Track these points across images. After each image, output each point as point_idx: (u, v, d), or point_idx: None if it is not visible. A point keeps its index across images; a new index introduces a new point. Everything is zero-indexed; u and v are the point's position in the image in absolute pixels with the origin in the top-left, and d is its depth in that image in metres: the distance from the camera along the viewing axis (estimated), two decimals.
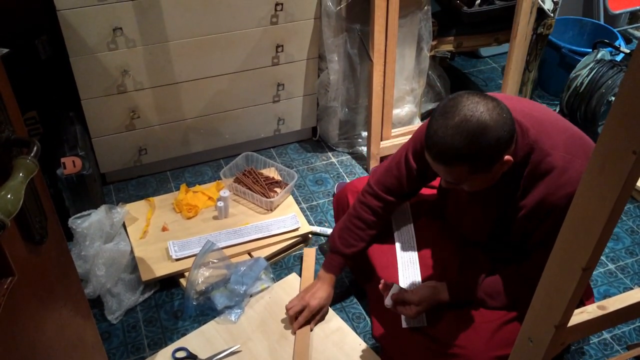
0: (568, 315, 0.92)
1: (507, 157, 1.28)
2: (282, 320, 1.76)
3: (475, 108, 1.22)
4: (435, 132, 1.25)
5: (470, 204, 1.52)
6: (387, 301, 1.51)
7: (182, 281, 1.86)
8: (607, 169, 0.73)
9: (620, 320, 1.12)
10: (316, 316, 1.73)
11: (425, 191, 1.75)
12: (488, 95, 1.28)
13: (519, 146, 1.33)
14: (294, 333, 1.70)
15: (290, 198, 2.17)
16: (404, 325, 1.53)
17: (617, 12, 3.18)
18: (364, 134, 2.51)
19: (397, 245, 1.69)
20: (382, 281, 1.54)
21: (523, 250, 1.47)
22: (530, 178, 1.35)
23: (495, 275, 1.50)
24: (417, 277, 1.62)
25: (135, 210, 2.07)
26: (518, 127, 1.32)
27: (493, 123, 1.22)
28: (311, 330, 1.71)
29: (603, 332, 1.81)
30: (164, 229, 2.01)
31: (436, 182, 1.70)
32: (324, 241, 2.09)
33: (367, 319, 1.82)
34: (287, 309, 1.72)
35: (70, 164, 1.91)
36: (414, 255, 1.67)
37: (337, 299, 1.87)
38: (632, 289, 1.95)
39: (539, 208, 1.35)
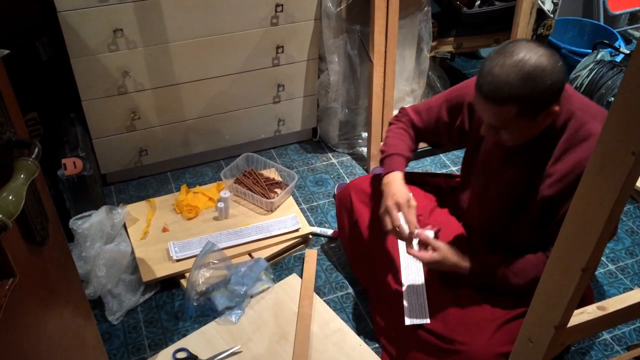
0: (568, 315, 0.92)
1: (555, 107, 1.29)
2: (283, 321, 1.76)
3: (534, 51, 1.25)
4: (491, 69, 1.27)
5: (500, 170, 1.50)
6: (414, 242, 1.49)
7: (183, 282, 1.86)
8: (606, 169, 0.73)
9: (620, 320, 1.12)
10: (409, 209, 1.53)
11: (429, 199, 1.76)
12: (543, 44, 1.30)
13: (562, 110, 1.34)
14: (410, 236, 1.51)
15: (291, 199, 2.18)
16: (407, 322, 1.53)
17: (617, 12, 3.18)
18: (364, 134, 2.51)
19: (400, 243, 1.68)
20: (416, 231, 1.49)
21: (532, 240, 1.47)
22: (566, 144, 1.36)
23: (520, 255, 1.48)
24: (420, 279, 1.61)
25: (135, 211, 2.07)
26: (564, 93, 1.33)
27: (550, 67, 1.24)
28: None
29: (603, 332, 1.81)
30: (164, 230, 2.01)
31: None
32: (324, 242, 2.10)
33: (368, 319, 1.82)
34: (393, 226, 1.53)
35: (71, 165, 1.92)
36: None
37: (337, 300, 1.88)
38: (632, 289, 1.95)
39: (570, 173, 1.35)
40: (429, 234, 1.52)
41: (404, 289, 1.59)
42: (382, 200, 1.57)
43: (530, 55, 1.24)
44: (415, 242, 1.51)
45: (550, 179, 1.39)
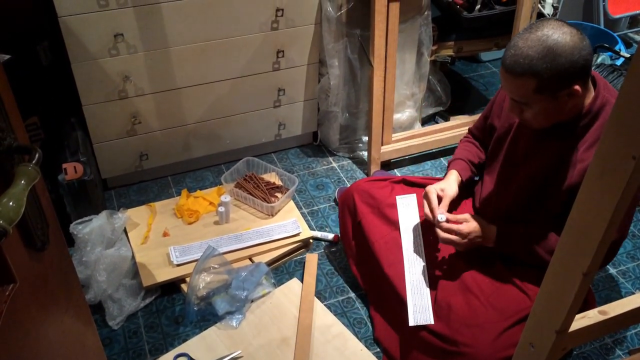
0: (569, 320, 0.92)
1: (576, 86, 1.30)
2: (283, 326, 1.76)
3: (558, 29, 1.28)
4: (515, 42, 1.31)
5: (530, 155, 1.49)
6: (439, 220, 1.53)
7: (183, 286, 1.86)
8: (607, 173, 0.73)
9: (622, 325, 1.12)
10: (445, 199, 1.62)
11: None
12: (574, 25, 1.32)
13: (599, 95, 1.36)
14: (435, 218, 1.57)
15: (291, 203, 2.18)
16: (411, 323, 1.53)
17: (617, 16, 3.18)
18: (365, 138, 2.51)
19: (404, 241, 1.69)
20: (439, 214, 1.54)
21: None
22: (601, 130, 1.35)
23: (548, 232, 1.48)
24: (424, 280, 1.61)
25: (136, 216, 2.07)
26: (600, 79, 1.37)
27: (572, 44, 1.27)
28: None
29: (605, 336, 1.81)
30: (165, 235, 2.01)
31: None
32: (325, 246, 2.10)
33: (369, 323, 1.82)
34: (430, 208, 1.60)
35: (72, 170, 1.92)
36: (420, 252, 1.67)
37: (338, 304, 1.87)
38: (633, 293, 1.95)
39: None
40: (442, 217, 1.54)
41: (407, 289, 1.60)
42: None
43: (553, 32, 1.27)
44: (442, 217, 1.53)
45: (581, 165, 1.37)
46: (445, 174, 1.71)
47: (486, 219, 1.65)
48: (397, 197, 1.75)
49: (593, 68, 2.50)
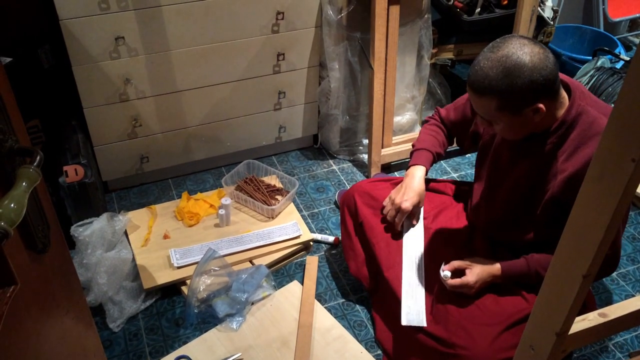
0: (569, 322, 0.92)
1: (540, 104, 1.31)
2: (284, 328, 1.76)
3: (519, 48, 1.29)
4: (478, 61, 1.33)
5: (511, 166, 1.50)
6: (444, 278, 1.53)
7: (184, 289, 1.86)
8: (606, 176, 0.73)
9: (621, 327, 1.12)
10: (412, 217, 1.70)
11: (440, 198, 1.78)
12: (538, 42, 1.32)
13: (574, 105, 1.36)
14: (398, 230, 1.68)
15: (292, 205, 2.18)
16: (404, 323, 1.54)
17: (617, 19, 3.19)
18: (365, 141, 2.51)
19: (405, 243, 1.69)
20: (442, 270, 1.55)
21: (538, 241, 1.48)
22: (578, 140, 1.36)
23: (543, 253, 1.49)
24: (420, 284, 1.61)
25: (137, 218, 2.07)
26: (576, 88, 1.37)
27: (531, 65, 1.27)
28: (414, 224, 1.70)
29: (605, 339, 1.80)
30: (165, 237, 2.01)
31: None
32: (325, 249, 2.10)
33: (369, 326, 1.82)
34: (384, 214, 1.69)
35: (73, 172, 1.92)
36: (420, 256, 1.67)
37: (338, 307, 1.87)
38: (633, 296, 1.95)
39: (582, 170, 1.34)
40: (447, 274, 1.54)
41: (403, 290, 1.60)
42: (398, 189, 1.69)
43: (514, 51, 1.28)
44: (447, 274, 1.54)
45: (562, 176, 1.38)
46: (410, 166, 1.72)
47: (478, 228, 1.66)
48: None
49: (593, 71, 2.51)
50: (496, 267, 1.52)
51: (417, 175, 1.68)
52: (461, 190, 1.82)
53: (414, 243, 1.68)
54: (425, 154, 1.72)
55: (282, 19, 2.14)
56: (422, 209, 1.74)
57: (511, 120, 1.35)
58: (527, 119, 1.34)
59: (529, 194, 1.48)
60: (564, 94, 1.38)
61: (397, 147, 2.41)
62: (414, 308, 1.56)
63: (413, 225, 1.71)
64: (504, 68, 1.28)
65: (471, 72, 1.34)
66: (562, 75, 1.42)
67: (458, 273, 1.54)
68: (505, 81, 1.28)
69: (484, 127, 1.45)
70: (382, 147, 2.37)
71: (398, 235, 1.72)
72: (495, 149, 1.56)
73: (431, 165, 1.73)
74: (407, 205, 1.65)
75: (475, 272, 1.51)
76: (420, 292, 1.59)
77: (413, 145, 1.77)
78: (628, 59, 2.63)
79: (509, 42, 1.31)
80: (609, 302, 1.93)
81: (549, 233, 1.48)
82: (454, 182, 1.88)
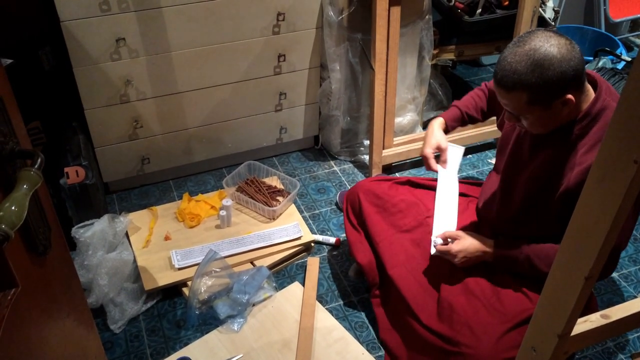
0: (571, 324, 0.92)
1: (569, 95, 1.31)
2: (285, 330, 1.76)
3: (546, 41, 1.29)
4: (505, 57, 1.33)
5: (532, 156, 1.50)
6: (434, 243, 1.59)
7: (185, 290, 1.86)
8: (608, 178, 0.73)
9: (624, 328, 1.11)
10: (443, 162, 1.73)
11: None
12: (562, 34, 1.32)
13: (599, 98, 1.36)
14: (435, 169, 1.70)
15: (293, 207, 2.18)
16: (432, 252, 1.60)
17: (618, 20, 3.19)
18: (366, 142, 2.51)
19: (437, 196, 1.71)
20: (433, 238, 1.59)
21: (550, 236, 1.48)
22: (599, 134, 1.36)
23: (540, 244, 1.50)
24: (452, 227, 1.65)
25: (138, 220, 2.07)
26: (603, 83, 1.37)
27: (560, 57, 1.27)
28: (445, 165, 1.71)
29: (607, 340, 1.80)
30: (166, 238, 2.01)
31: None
32: (326, 250, 2.09)
33: (371, 327, 1.82)
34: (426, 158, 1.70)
35: (74, 174, 1.92)
36: (453, 205, 1.70)
37: (339, 308, 1.87)
38: (635, 297, 1.95)
39: None
40: (437, 241, 1.59)
41: (434, 223, 1.65)
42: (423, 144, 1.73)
43: (541, 44, 1.28)
44: (438, 240, 1.59)
45: (579, 168, 1.38)
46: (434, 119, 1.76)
47: (488, 222, 1.65)
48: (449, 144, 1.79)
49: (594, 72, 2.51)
50: (489, 243, 1.54)
51: (433, 125, 1.72)
52: (466, 189, 1.82)
53: (447, 193, 1.71)
54: (453, 110, 1.76)
55: (283, 20, 2.13)
56: (457, 162, 1.76)
57: (541, 114, 1.35)
58: (556, 112, 1.34)
59: (546, 186, 1.47)
60: (589, 86, 1.38)
61: (398, 148, 2.41)
62: (443, 223, 1.63)
63: (447, 177, 1.73)
64: (533, 61, 1.28)
65: (498, 69, 1.34)
66: (587, 70, 1.41)
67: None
68: (535, 74, 1.28)
69: (510, 122, 1.46)
70: (383, 148, 2.37)
71: (401, 235, 1.72)
72: (516, 139, 1.55)
73: (458, 122, 1.76)
74: (426, 150, 1.68)
75: (461, 243, 1.54)
76: (453, 213, 1.66)
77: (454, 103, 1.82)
78: (629, 59, 2.63)
79: (534, 35, 1.31)
80: (611, 303, 1.92)
81: (559, 228, 1.47)
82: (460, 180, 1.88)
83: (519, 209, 1.55)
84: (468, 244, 1.54)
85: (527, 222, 1.54)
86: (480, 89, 1.81)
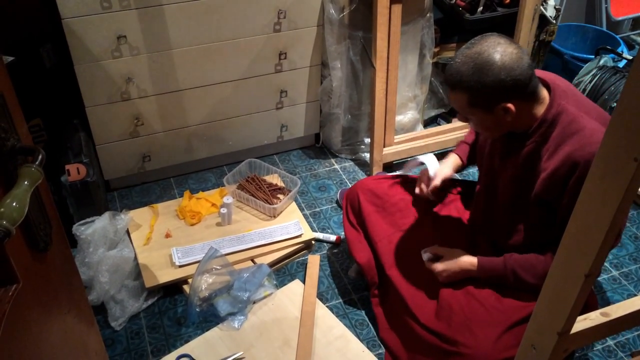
0: (571, 322, 0.92)
1: (509, 104, 1.33)
2: (285, 327, 1.76)
3: (492, 47, 1.31)
4: (455, 57, 1.37)
5: (502, 167, 1.52)
6: (423, 258, 1.62)
7: (186, 288, 1.86)
8: (608, 175, 0.73)
9: (624, 327, 1.11)
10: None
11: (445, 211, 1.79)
12: (515, 43, 1.34)
13: (553, 104, 1.37)
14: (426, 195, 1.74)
15: (294, 204, 2.18)
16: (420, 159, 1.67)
17: (620, 18, 3.18)
18: (367, 140, 2.51)
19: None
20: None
21: (535, 242, 1.49)
22: (559, 138, 1.37)
23: (525, 254, 1.51)
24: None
25: (138, 217, 2.08)
26: (557, 87, 1.39)
27: (500, 64, 1.29)
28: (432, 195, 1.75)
29: (607, 338, 1.80)
30: (167, 236, 2.02)
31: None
32: (327, 247, 2.10)
33: (371, 325, 1.82)
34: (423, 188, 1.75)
35: (75, 171, 1.92)
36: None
37: (340, 306, 1.87)
38: (636, 295, 1.95)
39: (560, 168, 1.35)
40: (426, 256, 1.61)
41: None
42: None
43: (486, 49, 1.31)
44: (425, 257, 1.61)
45: (544, 174, 1.39)
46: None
47: (478, 230, 1.66)
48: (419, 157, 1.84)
49: (596, 70, 2.51)
50: (471, 262, 1.54)
51: (447, 160, 1.75)
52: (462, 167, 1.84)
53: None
54: (462, 147, 1.78)
55: (284, 17, 2.13)
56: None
57: (483, 117, 1.38)
58: (499, 117, 1.36)
59: (520, 194, 1.49)
60: (544, 93, 1.39)
61: (399, 146, 2.41)
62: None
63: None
64: (475, 64, 1.31)
65: (447, 67, 1.38)
66: (543, 74, 1.42)
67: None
68: (475, 77, 1.31)
69: (460, 120, 1.49)
70: (384, 146, 2.37)
71: (400, 234, 1.72)
72: (489, 151, 1.57)
73: (466, 154, 1.77)
74: (436, 181, 1.69)
75: (445, 263, 1.56)
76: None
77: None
78: (631, 57, 2.62)
79: (484, 40, 1.33)
80: (611, 301, 1.92)
81: (540, 235, 1.49)
82: (456, 180, 1.88)
83: (502, 217, 1.57)
84: (452, 263, 1.55)
85: (512, 230, 1.56)
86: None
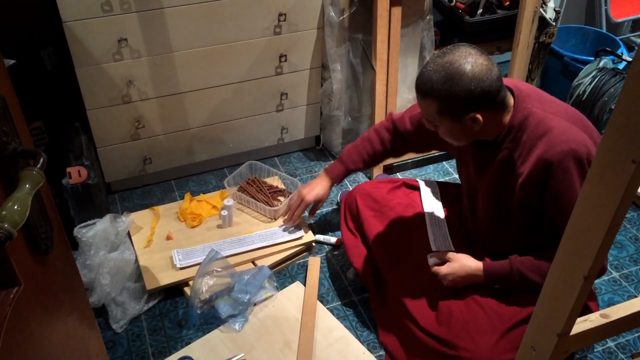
0: (571, 323, 0.92)
1: (477, 115, 1.34)
2: (286, 329, 1.76)
3: (463, 57, 1.31)
4: (426, 65, 1.37)
5: (480, 176, 1.52)
6: (429, 263, 1.62)
7: (187, 290, 1.87)
8: (607, 177, 0.73)
9: (624, 328, 1.12)
10: (313, 208, 1.95)
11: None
12: (485, 54, 1.34)
13: (518, 110, 1.38)
14: (290, 220, 1.99)
15: None
16: (434, 248, 1.63)
17: (620, 20, 3.18)
18: None
19: (427, 215, 1.76)
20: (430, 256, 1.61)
21: (527, 245, 1.49)
22: (529, 142, 1.38)
23: (528, 256, 1.50)
24: (441, 215, 1.70)
25: (139, 219, 2.08)
26: (520, 92, 1.39)
27: (471, 75, 1.30)
28: (311, 218, 1.99)
29: (607, 340, 1.80)
30: (168, 238, 2.02)
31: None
32: (327, 249, 2.10)
33: (371, 327, 1.82)
34: (289, 206, 1.95)
35: (76, 174, 1.92)
36: (441, 222, 1.74)
37: (340, 308, 1.88)
38: (636, 297, 1.95)
39: (534, 170, 1.36)
40: (432, 261, 1.60)
41: (427, 220, 1.69)
42: (308, 184, 1.91)
43: (457, 59, 1.31)
44: (431, 261, 1.60)
45: (521, 179, 1.40)
46: (329, 169, 1.90)
47: (469, 234, 1.66)
48: (419, 180, 1.88)
49: (595, 72, 2.51)
50: (477, 267, 1.53)
51: (326, 183, 1.88)
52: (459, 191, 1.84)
53: (432, 203, 1.77)
54: (340, 169, 1.86)
55: (284, 20, 2.14)
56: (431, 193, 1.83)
57: (451, 126, 1.38)
58: (467, 126, 1.37)
59: (501, 201, 1.50)
60: (511, 101, 1.40)
61: None
62: (439, 237, 1.64)
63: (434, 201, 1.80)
64: (446, 74, 1.31)
65: (418, 74, 1.38)
66: (506, 80, 1.42)
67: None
68: (445, 87, 1.31)
69: (429, 128, 1.48)
70: None
71: (398, 237, 1.72)
72: (465, 162, 1.58)
73: (340, 178, 1.88)
74: (310, 197, 1.87)
75: (451, 266, 1.55)
76: (442, 223, 1.69)
77: (344, 150, 1.89)
78: (630, 59, 2.63)
79: (456, 49, 1.34)
80: (611, 302, 1.92)
81: (531, 238, 1.49)
82: (454, 183, 1.89)
83: (489, 225, 1.58)
84: (457, 267, 1.54)
85: (501, 236, 1.56)
86: (376, 132, 1.83)
